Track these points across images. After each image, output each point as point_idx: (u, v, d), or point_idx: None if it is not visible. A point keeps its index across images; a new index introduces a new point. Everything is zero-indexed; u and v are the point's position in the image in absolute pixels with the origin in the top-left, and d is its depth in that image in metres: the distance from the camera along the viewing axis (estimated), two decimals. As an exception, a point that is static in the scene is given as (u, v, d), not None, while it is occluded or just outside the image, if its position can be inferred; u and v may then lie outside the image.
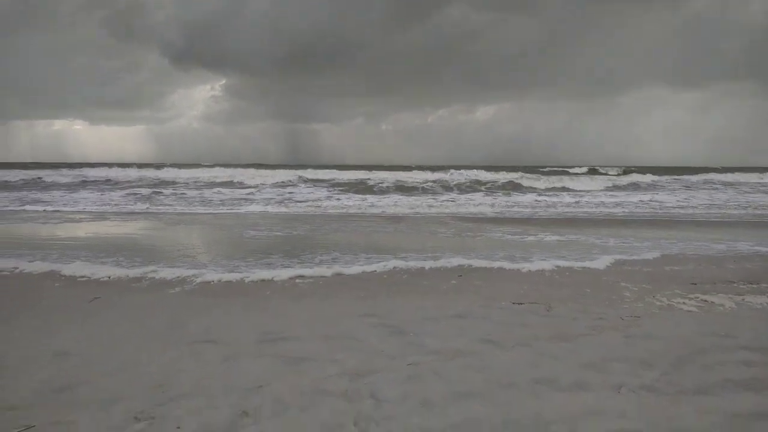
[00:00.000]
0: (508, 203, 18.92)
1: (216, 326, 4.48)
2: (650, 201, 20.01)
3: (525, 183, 28.22)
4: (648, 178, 32.20)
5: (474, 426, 2.80)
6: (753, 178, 32.29)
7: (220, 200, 19.46)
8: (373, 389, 3.23)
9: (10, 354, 3.82)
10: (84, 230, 11.23)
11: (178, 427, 2.76)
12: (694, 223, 13.31)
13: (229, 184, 26.37)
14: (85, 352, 3.87)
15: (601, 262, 7.27)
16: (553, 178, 30.67)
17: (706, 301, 5.39)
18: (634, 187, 28.25)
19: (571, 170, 40.06)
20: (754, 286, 6.04)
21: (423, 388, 3.27)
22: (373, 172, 32.90)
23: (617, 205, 18.63)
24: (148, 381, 3.34)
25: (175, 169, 33.24)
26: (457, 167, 36.58)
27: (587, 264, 7.17)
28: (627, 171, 39.51)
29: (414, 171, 33.88)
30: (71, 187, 25.46)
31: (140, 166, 41.57)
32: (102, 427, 2.78)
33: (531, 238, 9.92)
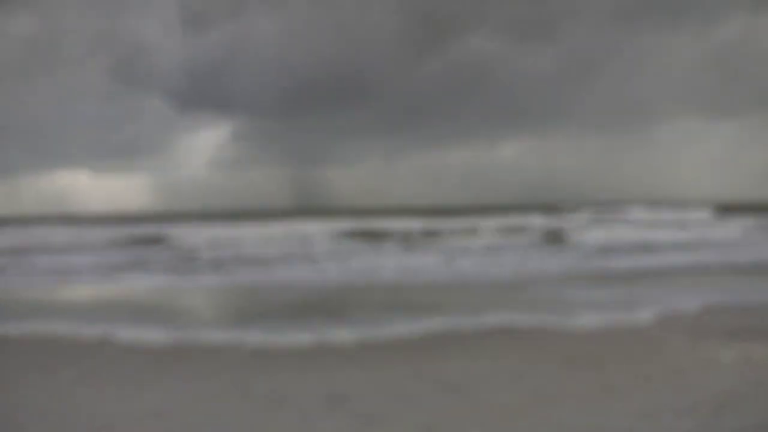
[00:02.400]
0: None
1: (281, 387, 5.08)
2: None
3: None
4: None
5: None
6: None
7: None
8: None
9: (107, 413, 4.44)
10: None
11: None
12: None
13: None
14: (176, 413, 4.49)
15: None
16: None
17: (745, 350, 5.91)
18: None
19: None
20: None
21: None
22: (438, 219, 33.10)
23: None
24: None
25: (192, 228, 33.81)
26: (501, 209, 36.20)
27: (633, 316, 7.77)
28: (719, 208, 38.69)
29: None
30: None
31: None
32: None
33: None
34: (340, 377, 5.37)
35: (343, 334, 7.10)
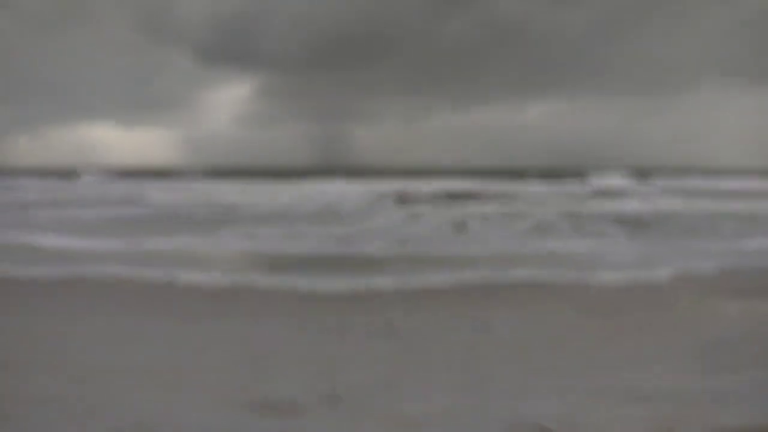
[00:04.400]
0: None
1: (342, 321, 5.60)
2: None
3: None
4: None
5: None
6: None
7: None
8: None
9: (186, 341, 4.98)
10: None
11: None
12: None
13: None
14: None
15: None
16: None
17: (750, 306, 6.28)
18: None
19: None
20: None
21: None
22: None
23: None
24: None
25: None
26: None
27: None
28: None
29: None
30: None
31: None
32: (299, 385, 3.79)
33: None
34: (388, 315, 5.91)
35: (382, 282, 7.58)
